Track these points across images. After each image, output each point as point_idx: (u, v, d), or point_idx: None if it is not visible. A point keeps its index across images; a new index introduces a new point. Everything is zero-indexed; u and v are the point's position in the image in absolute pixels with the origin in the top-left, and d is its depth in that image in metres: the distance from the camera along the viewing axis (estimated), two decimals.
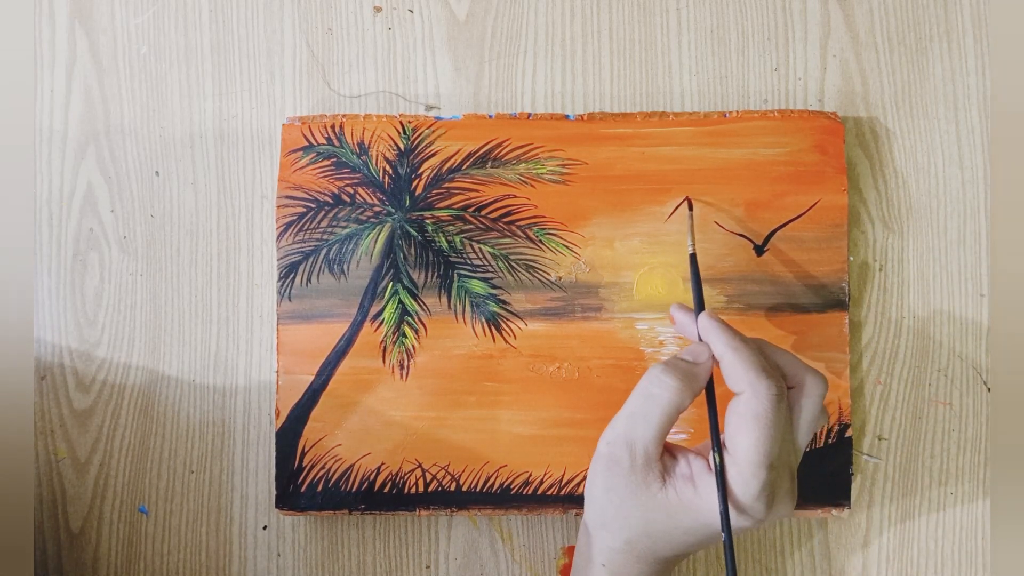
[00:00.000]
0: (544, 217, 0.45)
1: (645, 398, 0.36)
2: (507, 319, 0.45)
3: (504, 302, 0.45)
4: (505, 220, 0.45)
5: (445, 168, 0.46)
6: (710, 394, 0.37)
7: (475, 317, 0.45)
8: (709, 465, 0.36)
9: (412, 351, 0.45)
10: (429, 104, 0.48)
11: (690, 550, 0.38)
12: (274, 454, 0.45)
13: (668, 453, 0.37)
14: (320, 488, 0.44)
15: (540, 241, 0.45)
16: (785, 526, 0.46)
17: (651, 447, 0.36)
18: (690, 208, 0.44)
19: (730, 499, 0.35)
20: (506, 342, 0.45)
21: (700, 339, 0.38)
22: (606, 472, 0.37)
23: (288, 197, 0.46)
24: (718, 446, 0.36)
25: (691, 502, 0.36)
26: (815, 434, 0.43)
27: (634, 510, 0.36)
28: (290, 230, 0.45)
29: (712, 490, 0.35)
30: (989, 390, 0.46)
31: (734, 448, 0.35)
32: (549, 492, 0.44)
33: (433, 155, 0.46)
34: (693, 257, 0.41)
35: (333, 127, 0.46)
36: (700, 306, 0.39)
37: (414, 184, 0.46)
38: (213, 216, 0.48)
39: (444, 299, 0.45)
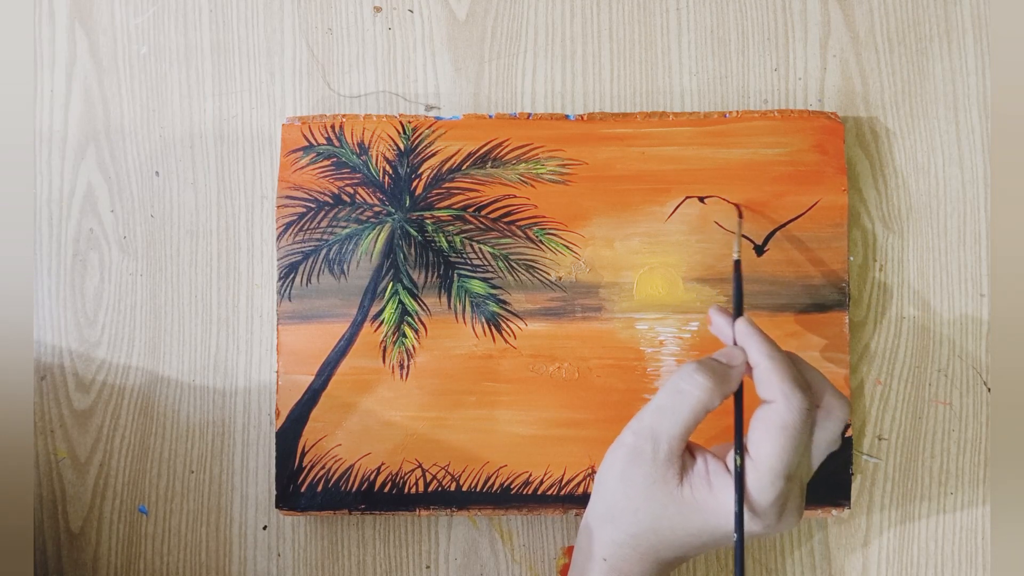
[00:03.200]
0: (544, 217, 0.45)
1: (675, 394, 0.36)
2: (507, 319, 0.45)
3: (504, 302, 0.45)
4: (505, 220, 0.45)
5: (445, 168, 0.46)
6: (738, 397, 0.37)
7: (475, 317, 0.45)
8: (727, 467, 0.36)
9: (412, 351, 0.45)
10: (429, 104, 0.48)
11: (691, 553, 0.38)
12: (274, 454, 0.45)
13: (687, 452, 0.37)
14: (320, 488, 0.44)
15: (540, 241, 0.45)
16: None
17: (675, 443, 0.36)
18: (740, 215, 0.44)
19: (746, 503, 0.35)
20: (506, 342, 0.45)
21: (735, 343, 0.38)
22: (627, 461, 0.37)
23: (288, 197, 0.45)
24: (740, 449, 0.36)
25: (704, 502, 0.36)
26: None
27: (647, 503, 0.36)
28: (290, 230, 0.45)
29: (727, 492, 0.35)
30: (989, 390, 0.46)
31: (757, 454, 0.35)
32: (549, 492, 0.44)
33: (433, 155, 0.46)
34: (737, 264, 0.41)
35: (333, 127, 0.46)
36: (739, 311, 0.39)
37: (414, 184, 0.46)
38: (213, 216, 0.48)
39: (444, 299, 0.45)
